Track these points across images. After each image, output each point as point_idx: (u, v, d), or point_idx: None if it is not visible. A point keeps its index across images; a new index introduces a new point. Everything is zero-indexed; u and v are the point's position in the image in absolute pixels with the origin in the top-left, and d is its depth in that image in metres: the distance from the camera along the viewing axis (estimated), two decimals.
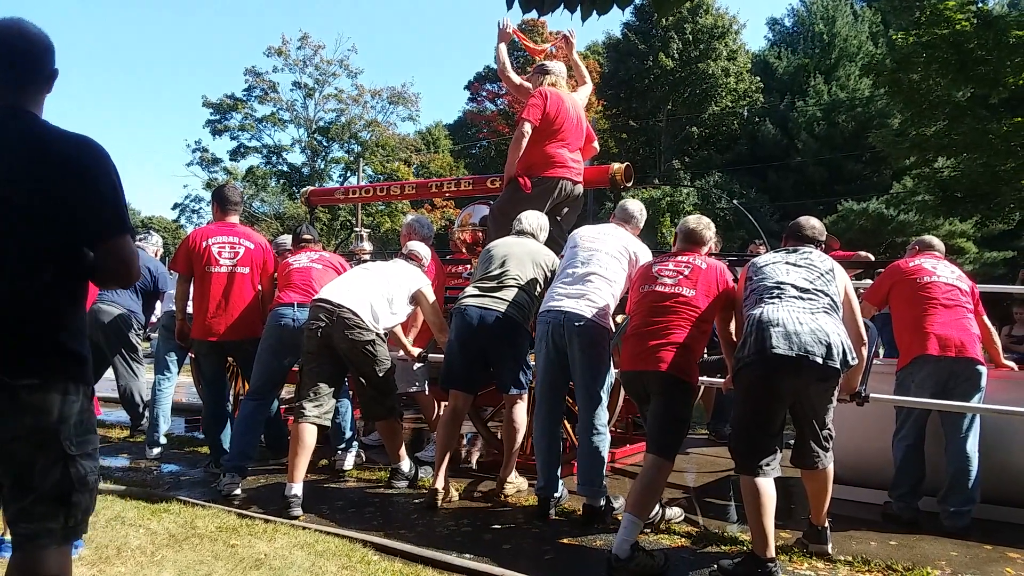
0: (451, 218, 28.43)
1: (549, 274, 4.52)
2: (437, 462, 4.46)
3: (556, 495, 4.22)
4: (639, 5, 32.04)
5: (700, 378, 3.92)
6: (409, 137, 42.58)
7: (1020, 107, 12.80)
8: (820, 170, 29.40)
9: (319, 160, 42.08)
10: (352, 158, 40.45)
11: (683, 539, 3.83)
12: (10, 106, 1.97)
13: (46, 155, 1.93)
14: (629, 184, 5.63)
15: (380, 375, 4.48)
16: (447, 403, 4.59)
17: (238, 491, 4.58)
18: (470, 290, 4.51)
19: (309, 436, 4.34)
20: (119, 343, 6.26)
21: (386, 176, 38.56)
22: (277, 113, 41.27)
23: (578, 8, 2.37)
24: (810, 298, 3.35)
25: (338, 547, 3.56)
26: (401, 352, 5.01)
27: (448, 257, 7.25)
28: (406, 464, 4.84)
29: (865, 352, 3.57)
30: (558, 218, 5.32)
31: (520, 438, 4.53)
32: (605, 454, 4.09)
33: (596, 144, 5.74)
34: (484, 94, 42.71)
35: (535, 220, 4.77)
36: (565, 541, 3.81)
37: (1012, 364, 4.51)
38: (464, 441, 6.07)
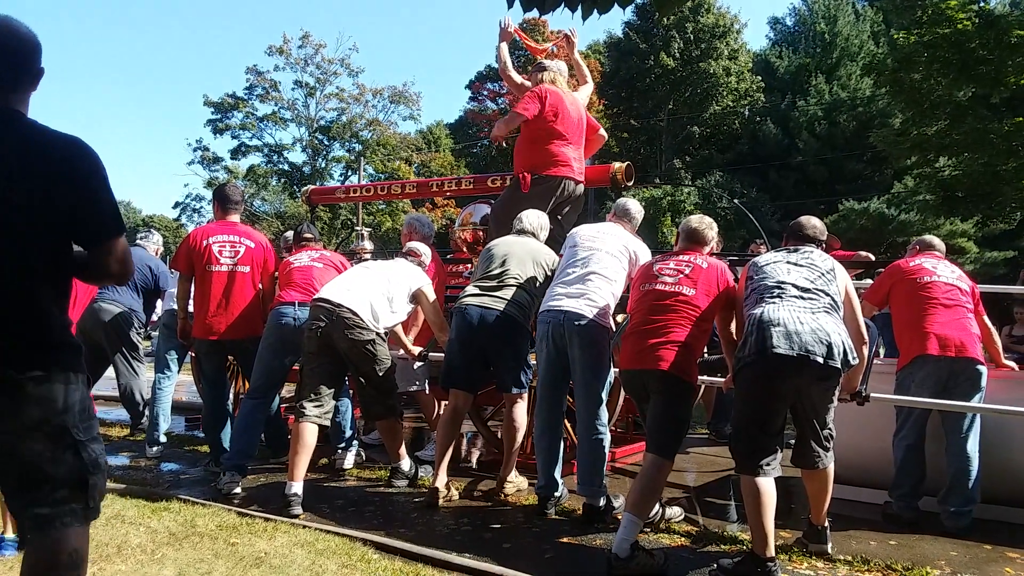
0: (452, 217, 28.45)
1: (550, 273, 4.52)
2: (437, 461, 4.46)
3: (556, 494, 4.22)
4: (640, 4, 32.00)
5: (701, 377, 3.92)
6: (410, 136, 42.58)
7: (1021, 107, 12.82)
8: (821, 170, 29.43)
9: (320, 159, 42.10)
10: (353, 157, 40.46)
11: (683, 538, 3.83)
12: (1, 107, 1.99)
13: (41, 156, 1.95)
14: (630, 183, 5.63)
15: (380, 374, 4.48)
16: (447, 402, 4.59)
17: (238, 490, 4.58)
18: (470, 289, 4.51)
19: (310, 435, 4.34)
20: (120, 341, 6.26)
21: (387, 175, 38.57)
22: (278, 112, 41.31)
23: (579, 7, 2.36)
24: (811, 298, 3.35)
25: (338, 545, 3.56)
26: (401, 351, 5.01)
27: (449, 256, 7.25)
28: (406, 463, 4.84)
29: (866, 352, 3.57)
30: (559, 217, 5.32)
31: (520, 437, 4.53)
32: (605, 453, 4.10)
33: (603, 131, 5.75)
34: (485, 93, 42.70)
35: (535, 219, 4.77)
36: (565, 540, 3.81)
37: (1012, 364, 4.51)
38: (464, 440, 6.07)
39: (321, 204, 8.84)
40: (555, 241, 4.97)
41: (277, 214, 39.29)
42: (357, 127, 41.21)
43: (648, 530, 3.84)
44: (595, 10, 2.38)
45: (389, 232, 33.78)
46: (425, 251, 5.11)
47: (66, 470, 1.95)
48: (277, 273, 5.22)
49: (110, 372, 6.45)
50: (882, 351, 5.55)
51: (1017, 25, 12.04)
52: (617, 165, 5.63)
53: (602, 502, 4.05)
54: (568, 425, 4.70)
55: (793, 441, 3.52)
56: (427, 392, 5.50)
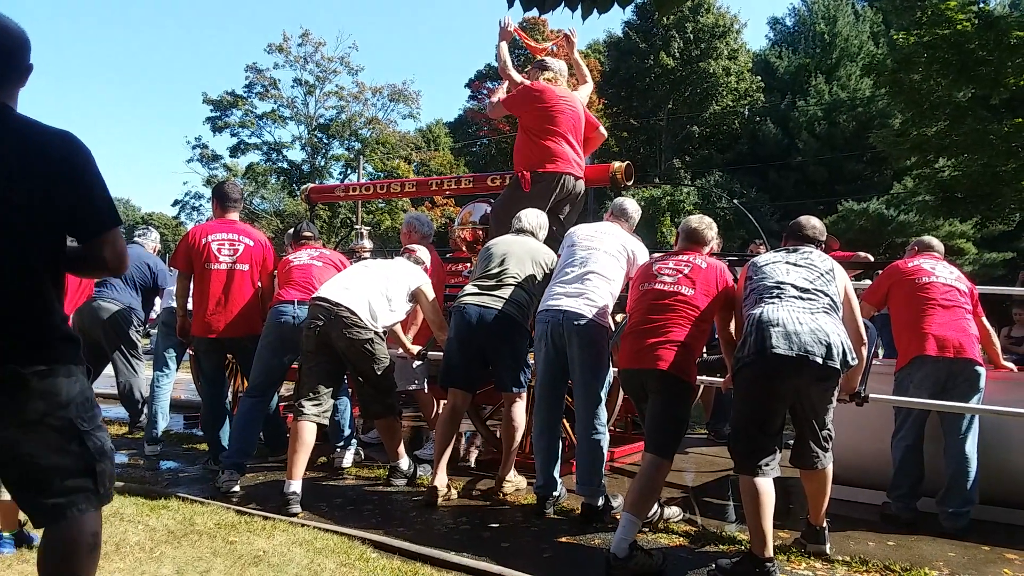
0: (451, 216, 28.44)
1: (548, 272, 4.52)
2: (436, 460, 4.46)
3: (555, 494, 4.22)
4: (640, 4, 31.97)
5: (700, 377, 3.92)
6: (410, 135, 42.52)
7: (1021, 108, 12.82)
8: (821, 170, 29.43)
9: (319, 157, 42.03)
10: (352, 155, 40.38)
11: (681, 538, 3.83)
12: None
13: (35, 152, 1.97)
14: (630, 183, 5.64)
15: (378, 373, 4.48)
16: (446, 401, 4.59)
17: (237, 488, 4.58)
18: (469, 288, 4.51)
19: (308, 434, 4.34)
20: (119, 339, 6.25)
21: (386, 174, 38.51)
22: (277, 110, 41.21)
23: (579, 7, 2.36)
24: (810, 298, 3.35)
25: (337, 544, 3.56)
26: (400, 350, 5.01)
27: (449, 255, 7.25)
28: (405, 462, 4.84)
29: (865, 352, 3.57)
30: (560, 217, 5.32)
31: (519, 437, 4.53)
32: (604, 453, 4.10)
33: (603, 129, 5.76)
34: (485, 92, 42.60)
35: (534, 218, 4.78)
36: (564, 540, 3.82)
37: (1011, 365, 4.51)
38: (463, 439, 6.07)
39: (320, 202, 8.85)
40: (555, 240, 4.97)
41: (276, 212, 39.22)
42: (356, 125, 41.16)
43: (647, 530, 3.84)
44: (595, 9, 2.38)
45: (388, 231, 33.76)
46: (424, 254, 5.11)
47: (73, 460, 2.00)
48: (276, 271, 5.22)
49: (109, 370, 6.45)
50: (881, 352, 5.55)
51: (1017, 26, 12.04)
52: (617, 164, 5.63)
53: (601, 502, 4.05)
54: (567, 424, 4.71)
55: (792, 441, 3.52)
56: (426, 391, 5.49)
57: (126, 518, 3.85)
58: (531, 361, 4.47)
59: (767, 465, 3.28)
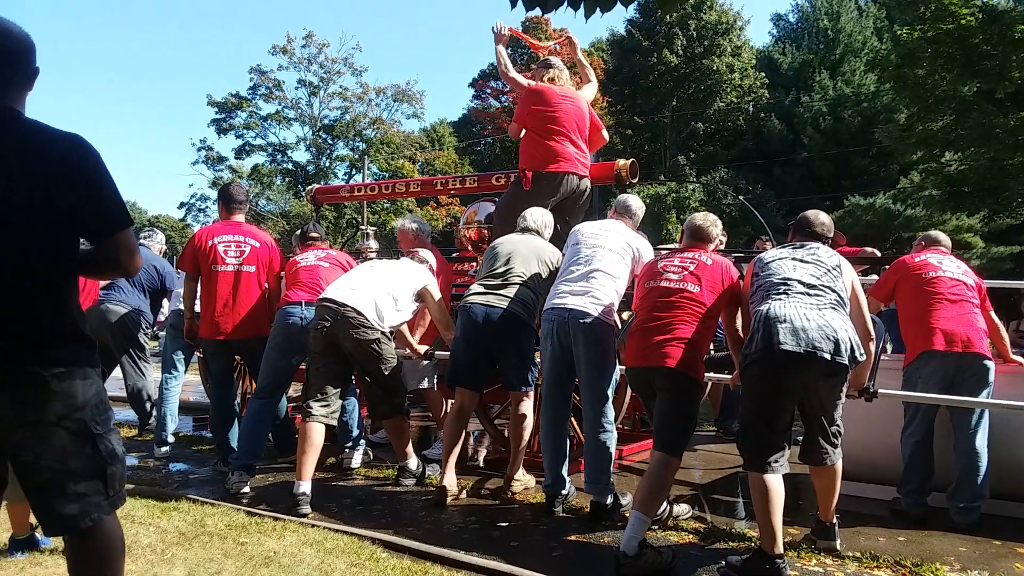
0: (456, 215, 28.44)
1: (554, 270, 4.52)
2: (444, 459, 4.47)
3: (563, 492, 4.22)
4: (643, 2, 32.02)
5: (707, 374, 3.92)
6: (414, 134, 42.57)
7: None
8: (826, 165, 29.35)
9: (324, 158, 42.12)
10: (357, 156, 40.46)
11: (691, 535, 3.83)
12: (1, 106, 2.01)
13: (45, 155, 1.99)
14: (635, 180, 5.64)
15: (386, 373, 4.49)
16: (453, 401, 4.60)
17: (247, 489, 4.59)
18: (475, 288, 4.51)
19: (317, 435, 4.35)
20: (127, 342, 6.26)
21: (391, 174, 38.56)
22: (282, 111, 41.33)
23: (581, 6, 2.36)
24: (817, 294, 3.34)
25: (347, 544, 3.57)
26: (407, 350, 5.02)
27: (455, 255, 7.26)
28: (413, 462, 4.84)
29: (873, 348, 3.56)
30: (567, 218, 5.31)
31: (527, 435, 4.53)
32: (612, 451, 4.10)
33: (605, 133, 5.75)
34: (488, 91, 42.65)
35: (539, 217, 4.78)
36: (573, 538, 3.82)
37: (1020, 359, 4.49)
38: (471, 439, 6.07)
39: (326, 203, 8.86)
40: (560, 239, 4.97)
41: (282, 213, 39.31)
42: (361, 126, 41.24)
43: (656, 527, 3.83)
44: (597, 8, 2.38)
45: (394, 231, 33.73)
46: (428, 254, 5.13)
47: (85, 463, 2.01)
48: (284, 273, 5.23)
49: (117, 373, 6.46)
50: (889, 347, 5.54)
51: (1021, 20, 12.01)
52: (621, 162, 5.63)
53: (609, 500, 4.05)
54: (575, 423, 4.71)
55: (801, 438, 3.51)
56: (435, 390, 5.50)
57: (137, 520, 3.87)
58: (538, 360, 4.47)
59: (776, 461, 3.27)
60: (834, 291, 3.38)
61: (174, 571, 3.21)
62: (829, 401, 3.37)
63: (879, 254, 6.79)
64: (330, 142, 41.98)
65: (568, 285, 4.17)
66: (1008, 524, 4.06)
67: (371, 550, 3.50)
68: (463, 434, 4.68)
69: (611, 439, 4.08)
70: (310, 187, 8.16)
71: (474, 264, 6.63)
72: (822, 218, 3.75)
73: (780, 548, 3.19)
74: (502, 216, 5.37)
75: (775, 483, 3.24)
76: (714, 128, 36.39)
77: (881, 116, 25.96)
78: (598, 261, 4.19)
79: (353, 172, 40.88)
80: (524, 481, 4.63)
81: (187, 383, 6.74)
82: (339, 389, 4.53)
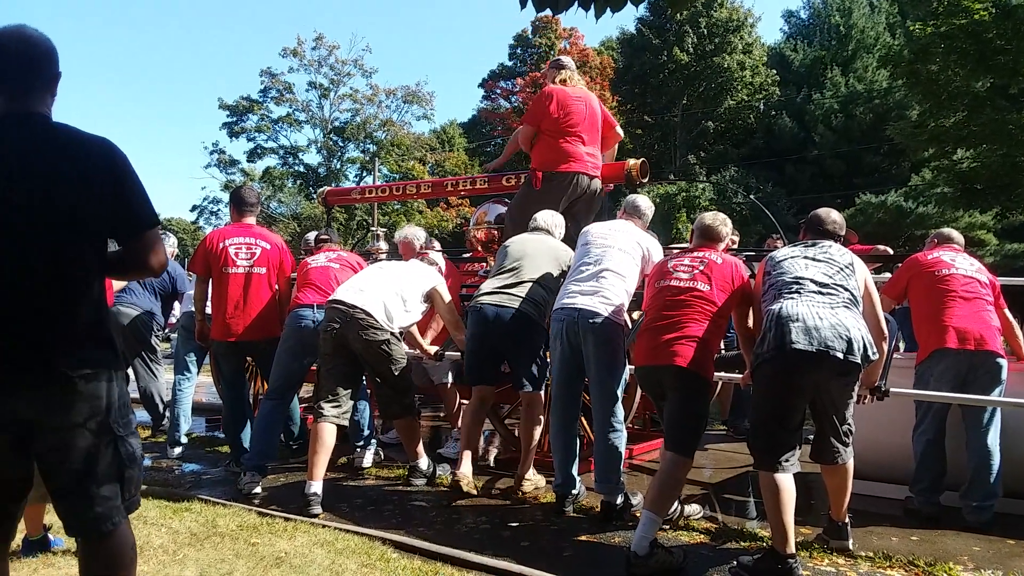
0: (466, 216, 28.46)
1: (566, 269, 4.53)
2: (462, 449, 4.48)
3: (574, 492, 4.22)
4: (653, 0, 31.95)
5: (718, 374, 3.90)
6: (424, 136, 42.66)
7: None
8: (838, 163, 29.18)
9: (335, 160, 42.23)
10: (368, 158, 40.59)
11: (702, 535, 3.82)
12: (28, 112, 2.05)
13: (75, 157, 2.02)
14: (645, 180, 5.62)
15: (396, 374, 4.50)
16: (471, 397, 4.62)
17: (258, 490, 4.61)
18: (486, 287, 4.52)
19: (328, 435, 4.36)
20: (138, 344, 6.30)
21: (401, 175, 38.64)
22: (293, 114, 41.48)
23: (592, 6, 2.36)
24: (829, 293, 3.32)
25: (358, 545, 3.58)
26: (418, 351, 5.04)
27: (466, 256, 7.27)
28: (424, 462, 4.85)
29: (885, 346, 3.54)
30: (578, 219, 5.30)
31: (538, 435, 4.54)
32: (622, 451, 4.09)
33: (619, 130, 5.73)
34: (498, 92, 42.73)
35: (550, 217, 4.82)
36: (583, 538, 3.81)
37: None
38: (481, 439, 6.08)
39: (337, 205, 8.89)
40: (571, 239, 4.97)
41: (293, 216, 39.44)
42: (371, 128, 41.33)
43: (667, 527, 3.83)
44: (608, 8, 2.38)
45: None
46: (438, 256, 5.15)
47: (106, 465, 2.03)
48: (296, 274, 5.26)
49: (128, 374, 6.50)
50: (902, 345, 5.50)
51: None
52: (632, 162, 5.62)
53: (620, 499, 4.05)
54: (585, 422, 4.71)
55: (812, 437, 3.50)
56: (451, 386, 5.53)
57: (149, 521, 3.89)
58: (548, 359, 4.47)
59: (787, 461, 3.26)
60: (847, 289, 3.36)
61: (186, 572, 3.23)
62: (841, 400, 3.35)
63: (891, 252, 6.75)
64: (341, 144, 42.10)
65: (578, 285, 4.17)
66: (1021, 523, 4.03)
67: (382, 550, 3.51)
68: (482, 425, 4.68)
69: (621, 438, 4.07)
70: (322, 189, 8.20)
71: (484, 265, 6.65)
72: (833, 216, 3.73)
73: (792, 548, 3.17)
74: (513, 217, 5.38)
75: (786, 482, 3.23)
76: (724, 126, 36.26)
77: (893, 113, 25.83)
78: (608, 261, 4.19)
79: (364, 174, 41.00)
80: (535, 481, 4.63)
81: (200, 384, 6.78)
82: (350, 390, 4.54)
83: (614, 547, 3.67)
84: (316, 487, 4.23)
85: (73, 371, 1.96)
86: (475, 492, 4.43)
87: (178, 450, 5.87)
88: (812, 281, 3.36)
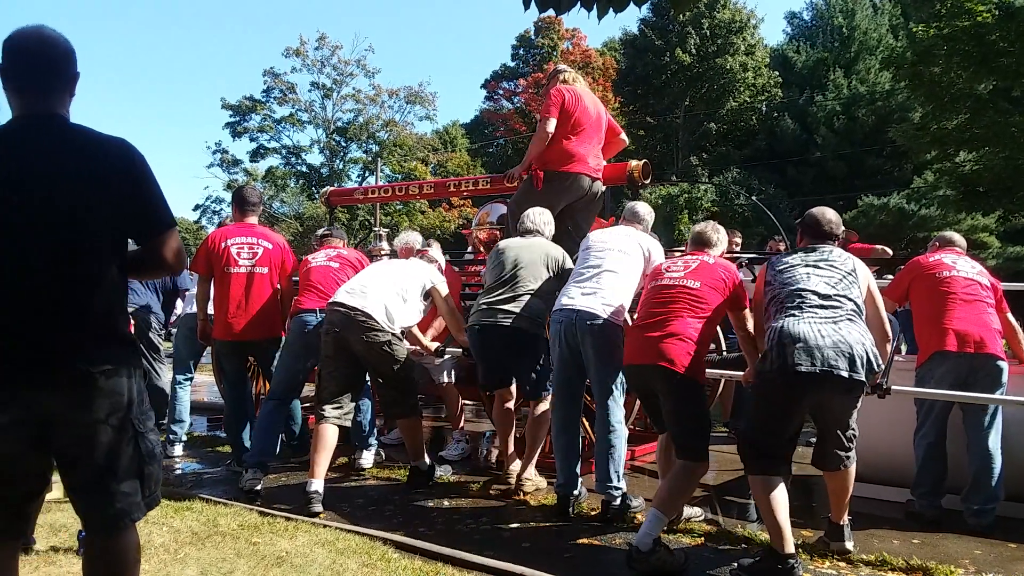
0: (468, 217, 28.45)
1: (560, 269, 4.54)
2: (503, 449, 4.70)
3: (575, 493, 4.22)
4: (656, 1, 31.93)
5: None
6: (426, 136, 42.64)
7: None
8: (840, 165, 29.14)
9: (337, 160, 42.25)
10: (370, 158, 40.59)
11: (703, 538, 3.82)
12: (49, 114, 2.08)
13: (94, 158, 2.05)
14: (647, 181, 5.61)
15: (399, 374, 4.50)
16: (495, 401, 4.71)
17: (260, 487, 4.61)
18: (482, 303, 4.53)
19: (330, 435, 4.37)
20: (140, 343, 6.31)
21: (404, 176, 38.65)
22: (295, 114, 41.51)
23: (594, 7, 2.37)
24: (832, 306, 3.28)
25: (359, 545, 3.58)
26: (419, 348, 5.05)
27: (469, 256, 7.28)
28: (426, 462, 4.85)
29: (889, 348, 3.54)
30: (580, 220, 5.29)
31: (542, 438, 4.55)
32: (623, 451, 4.10)
33: (624, 136, 5.69)
34: (500, 92, 42.71)
35: (538, 216, 4.79)
36: (584, 539, 3.81)
37: None
38: (484, 440, 6.08)
39: (339, 205, 8.90)
40: (572, 241, 4.97)
41: (296, 215, 39.47)
42: (374, 128, 41.34)
43: (668, 530, 3.82)
44: (611, 9, 2.38)
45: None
46: (437, 253, 5.16)
47: (126, 461, 2.05)
48: (297, 274, 5.26)
49: None
50: (903, 347, 5.49)
51: None
52: (634, 163, 5.61)
53: (621, 501, 4.05)
54: (586, 423, 4.71)
55: (814, 440, 3.50)
56: (448, 383, 5.54)
57: (150, 520, 3.88)
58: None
59: (778, 466, 3.28)
60: (850, 299, 3.33)
61: (187, 571, 3.24)
62: (845, 414, 3.36)
63: (891, 253, 6.75)
64: (343, 144, 42.11)
65: (579, 286, 4.18)
66: (1023, 527, 4.02)
67: (383, 550, 3.51)
68: (512, 421, 4.75)
69: (621, 439, 4.07)
70: (324, 189, 8.21)
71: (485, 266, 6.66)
72: (829, 215, 3.66)
73: (791, 547, 3.17)
74: (513, 215, 5.36)
75: (775, 484, 3.24)
76: (727, 128, 36.22)
77: (896, 115, 25.79)
78: (608, 262, 4.20)
79: (366, 174, 41.01)
80: (536, 482, 4.63)
81: (201, 383, 6.78)
82: (351, 392, 4.55)
83: (615, 548, 3.68)
84: (317, 485, 4.24)
85: (94, 367, 1.98)
86: (544, 485, 4.59)
87: (179, 449, 5.87)
88: (814, 293, 3.33)
